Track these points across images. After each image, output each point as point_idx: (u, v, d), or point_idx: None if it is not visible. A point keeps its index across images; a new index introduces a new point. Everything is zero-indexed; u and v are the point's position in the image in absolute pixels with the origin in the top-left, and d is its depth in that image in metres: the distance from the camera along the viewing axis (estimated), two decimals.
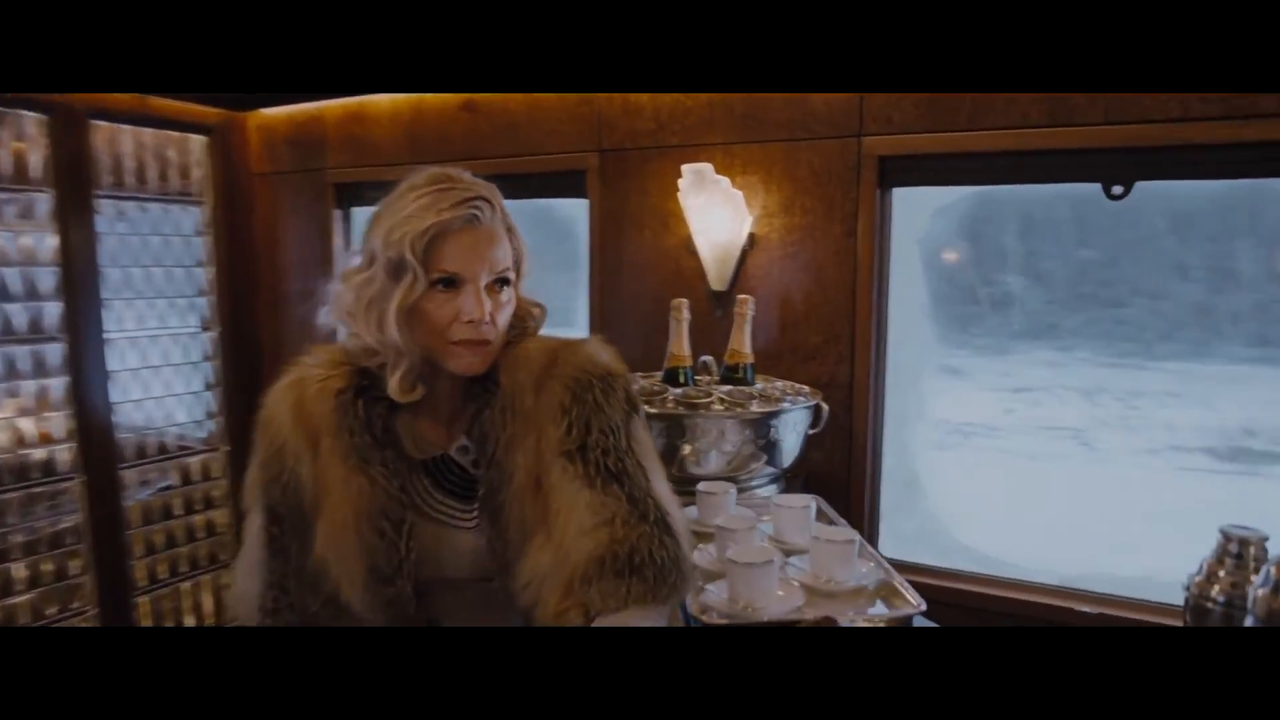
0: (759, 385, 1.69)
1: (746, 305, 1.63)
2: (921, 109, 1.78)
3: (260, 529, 0.98)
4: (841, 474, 1.87)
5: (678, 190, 1.89)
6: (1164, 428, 1.88)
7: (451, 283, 0.92)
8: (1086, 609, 1.74)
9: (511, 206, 0.98)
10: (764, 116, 1.88)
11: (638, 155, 2.04)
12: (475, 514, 0.98)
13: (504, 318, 0.97)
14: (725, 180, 1.82)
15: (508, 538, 0.95)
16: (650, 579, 0.87)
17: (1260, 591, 0.87)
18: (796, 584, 1.20)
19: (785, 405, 1.60)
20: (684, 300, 1.66)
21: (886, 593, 1.22)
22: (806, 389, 1.71)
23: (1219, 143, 1.66)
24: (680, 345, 1.66)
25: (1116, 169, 1.73)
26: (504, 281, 0.96)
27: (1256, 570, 0.94)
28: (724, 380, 1.68)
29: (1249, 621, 0.91)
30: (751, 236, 1.89)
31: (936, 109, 1.77)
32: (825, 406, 1.67)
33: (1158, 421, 1.89)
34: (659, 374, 1.72)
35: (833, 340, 1.87)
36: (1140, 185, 1.74)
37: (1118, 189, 1.74)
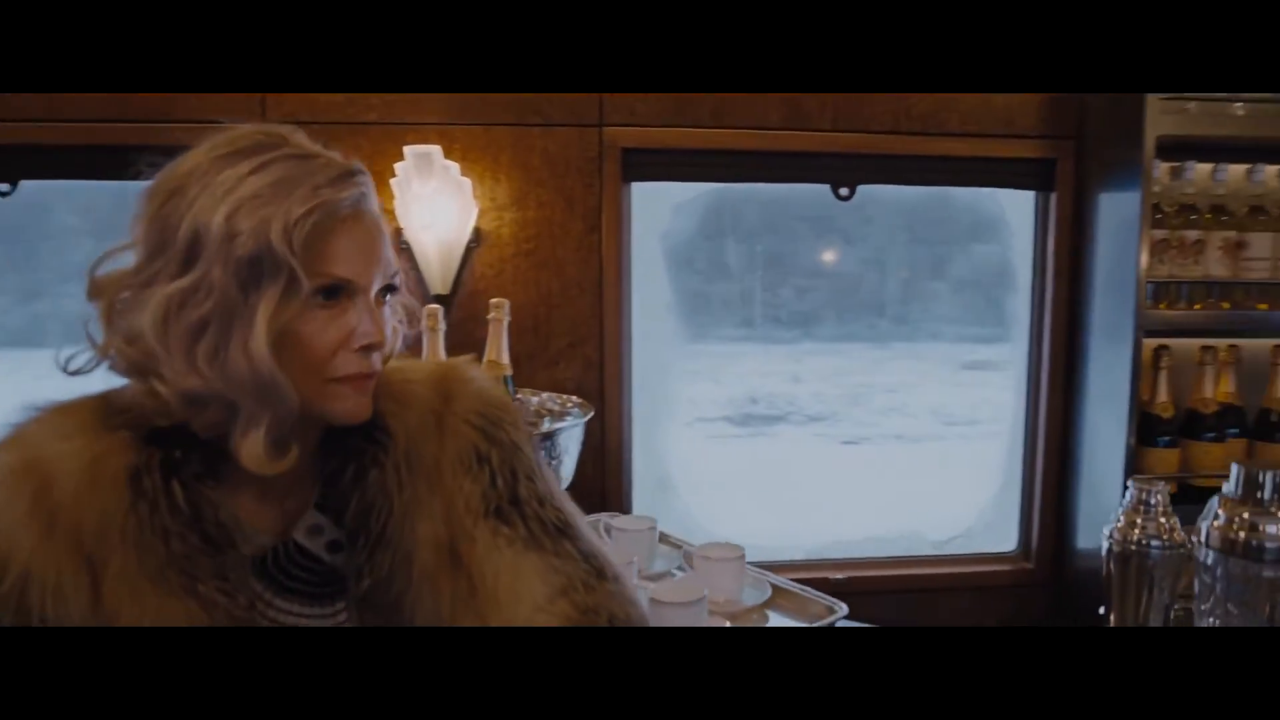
0: (520, 398, 1.56)
1: (503, 310, 1.44)
2: (666, 102, 1.70)
3: None
4: (595, 482, 1.80)
5: (386, 176, 1.64)
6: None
7: (335, 292, 0.66)
8: (838, 576, 1.87)
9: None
10: (487, 95, 1.67)
11: (321, 133, 1.69)
12: (342, 616, 0.73)
13: (396, 340, 0.73)
14: (455, 166, 1.61)
15: None
16: None
17: (1213, 524, 0.97)
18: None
19: (569, 420, 1.49)
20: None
21: (793, 601, 1.19)
22: (575, 399, 1.60)
23: (917, 154, 1.81)
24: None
25: (843, 172, 1.81)
26: (392, 290, 0.71)
27: (1164, 514, 1.09)
28: None
29: (1205, 555, 1.01)
30: (478, 232, 1.70)
31: (681, 103, 1.70)
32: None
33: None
34: None
35: (579, 343, 1.75)
36: (863, 188, 1.84)
37: (844, 190, 1.83)
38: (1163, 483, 1.06)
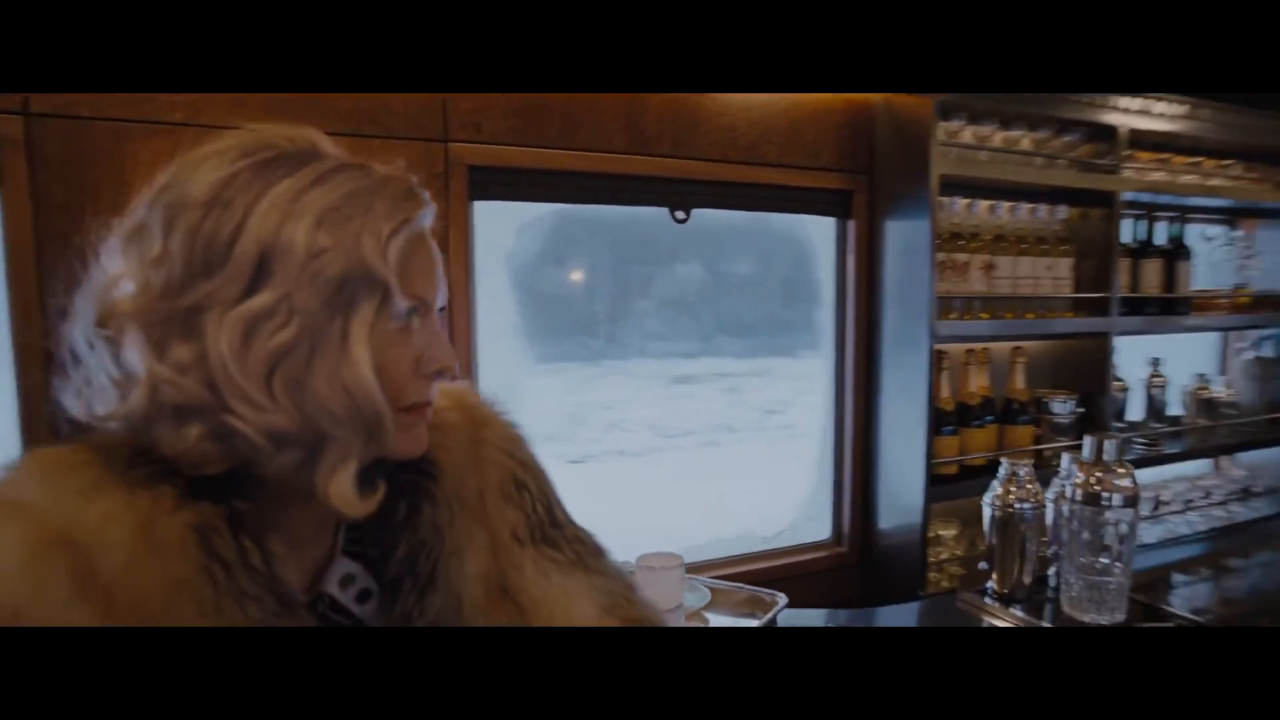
0: None
1: None
2: (512, 120, 1.68)
3: None
4: None
5: None
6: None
7: (410, 314, 0.61)
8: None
9: None
10: (320, 99, 1.54)
11: (106, 131, 1.45)
12: None
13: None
14: None
15: None
16: None
17: (1074, 482, 1.16)
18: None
19: None
20: None
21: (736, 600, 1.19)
22: None
23: (742, 181, 1.96)
24: None
25: (680, 196, 1.91)
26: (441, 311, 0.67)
27: (1030, 482, 1.27)
28: None
29: (1065, 509, 1.17)
30: None
31: (527, 122, 1.69)
32: None
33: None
34: None
35: None
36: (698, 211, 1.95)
37: (680, 214, 1.93)
38: (1028, 459, 1.26)
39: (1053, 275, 2.21)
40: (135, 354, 0.55)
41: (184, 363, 0.54)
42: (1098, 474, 1.12)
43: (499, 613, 0.69)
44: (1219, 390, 2.70)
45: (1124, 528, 1.11)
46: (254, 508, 0.58)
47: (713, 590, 1.46)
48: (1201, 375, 2.72)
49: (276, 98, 1.51)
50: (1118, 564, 1.12)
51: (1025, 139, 2.17)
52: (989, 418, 2.20)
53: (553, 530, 0.72)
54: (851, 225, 2.13)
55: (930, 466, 1.99)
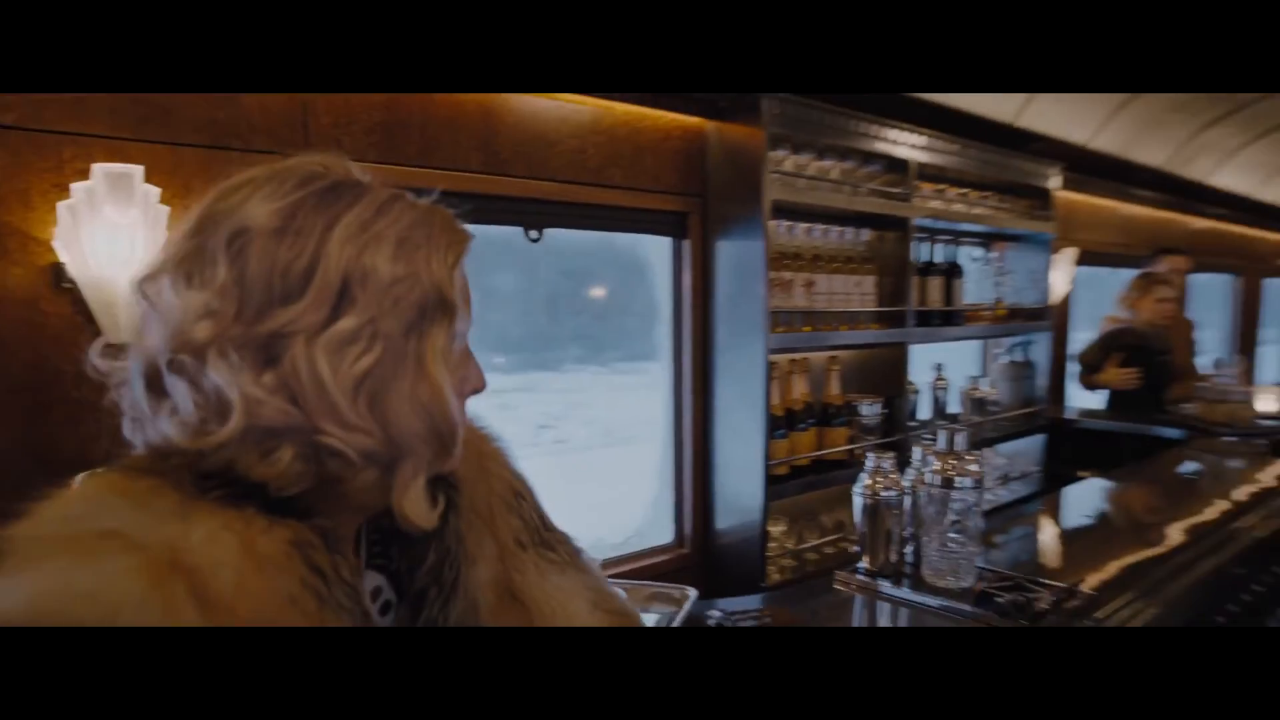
0: None
1: None
2: (373, 136, 1.75)
3: None
4: None
5: (32, 196, 1.39)
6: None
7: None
8: None
9: None
10: (172, 109, 1.53)
11: None
12: None
13: None
14: (155, 191, 1.42)
15: None
16: None
17: (932, 470, 1.41)
18: None
19: None
20: None
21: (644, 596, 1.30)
22: None
23: (590, 201, 2.16)
24: None
25: (534, 216, 2.06)
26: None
27: (893, 473, 1.51)
28: None
29: (924, 493, 1.41)
30: None
31: (387, 139, 1.77)
32: None
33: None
34: None
35: None
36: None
37: (534, 233, 2.08)
38: (891, 451, 1.55)
39: (860, 291, 2.62)
40: (223, 379, 0.59)
41: (271, 386, 0.60)
42: (951, 461, 1.43)
43: (508, 614, 0.78)
44: (985, 390, 3.30)
45: (971, 505, 1.43)
46: (331, 524, 0.65)
47: (623, 589, 1.61)
48: (973, 377, 3.30)
49: (124, 104, 1.49)
50: (968, 537, 1.44)
51: (835, 169, 2.56)
52: (811, 421, 2.55)
53: (547, 534, 0.83)
54: (687, 245, 2.39)
55: (767, 468, 2.29)
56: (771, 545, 2.48)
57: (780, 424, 2.42)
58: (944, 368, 3.16)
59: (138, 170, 1.40)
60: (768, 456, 2.29)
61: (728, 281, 2.37)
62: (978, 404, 3.26)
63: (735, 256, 2.33)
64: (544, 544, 0.83)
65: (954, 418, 3.20)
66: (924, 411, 3.10)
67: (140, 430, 0.64)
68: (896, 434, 2.77)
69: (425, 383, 0.64)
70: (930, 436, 1.49)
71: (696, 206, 2.38)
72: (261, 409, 0.60)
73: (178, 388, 0.60)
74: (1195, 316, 4.49)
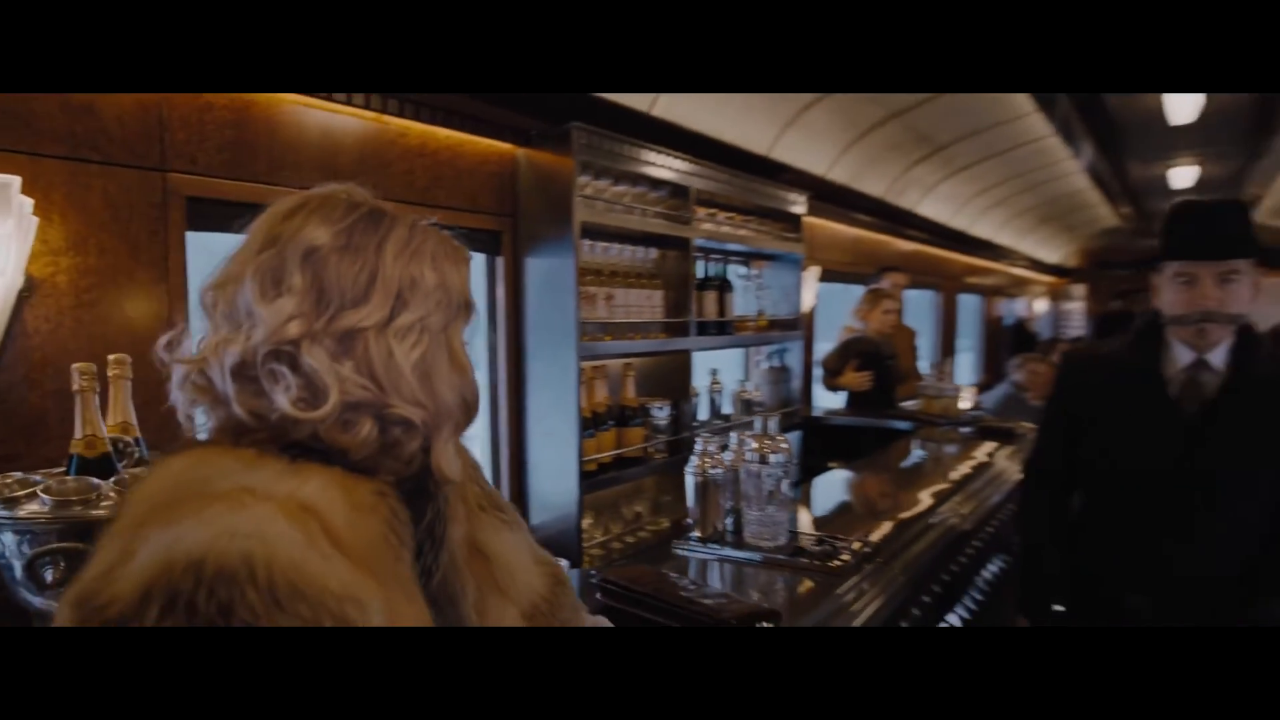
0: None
1: (126, 365, 1.48)
2: (225, 155, 1.93)
3: None
4: None
5: None
6: None
7: None
8: None
9: None
10: (30, 118, 1.63)
11: None
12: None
13: None
14: (29, 202, 1.51)
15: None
16: None
17: (752, 448, 1.82)
18: None
19: None
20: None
21: None
22: None
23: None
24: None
25: None
26: None
27: (719, 452, 1.93)
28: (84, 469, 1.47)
29: (746, 470, 1.82)
30: (30, 279, 1.61)
31: (236, 157, 1.95)
32: None
33: None
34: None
35: (152, 401, 1.80)
36: None
37: None
38: (717, 435, 2.00)
39: (650, 304, 3.12)
40: (319, 366, 0.81)
41: (352, 370, 0.82)
42: (766, 442, 1.91)
43: (476, 565, 1.02)
44: (751, 392, 3.96)
45: (782, 478, 1.92)
46: (391, 482, 0.87)
47: None
48: (740, 381, 3.95)
49: None
50: (780, 505, 1.93)
51: (628, 194, 3.04)
52: (611, 422, 3.00)
53: (496, 497, 1.10)
54: (500, 261, 2.75)
55: (581, 466, 2.70)
56: (584, 536, 2.89)
57: (588, 425, 2.84)
58: (718, 373, 3.76)
59: (15, 180, 1.51)
60: (581, 455, 2.70)
61: (539, 295, 2.76)
62: (746, 405, 3.91)
63: (546, 272, 2.73)
64: (496, 506, 1.09)
65: (727, 418, 3.82)
66: (703, 413, 3.67)
67: (220, 410, 0.84)
68: (683, 432, 3.30)
69: (457, 365, 0.90)
70: (709, 433, 1.98)
71: (509, 226, 2.74)
72: (349, 388, 0.82)
73: (282, 374, 0.81)
74: (915, 326, 5.58)
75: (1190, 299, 1.80)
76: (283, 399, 0.82)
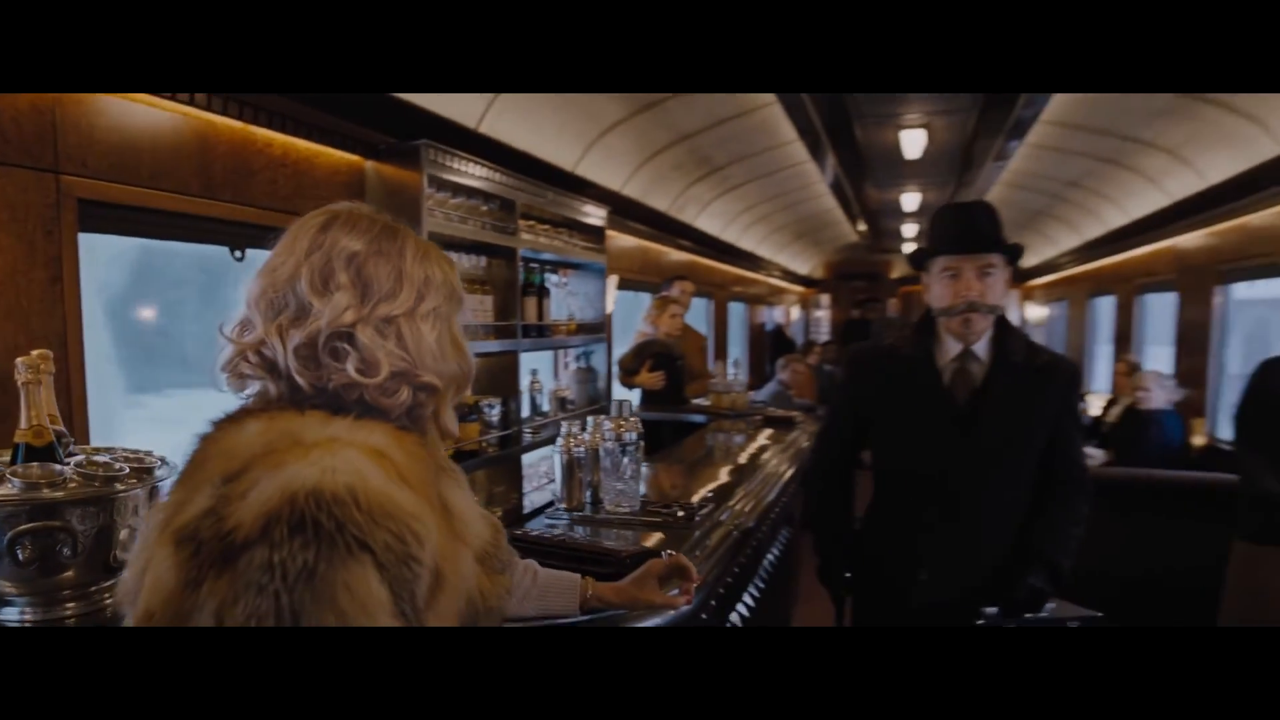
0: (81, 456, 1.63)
1: (50, 361, 1.55)
2: (111, 159, 2.01)
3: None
4: None
5: None
6: None
7: None
8: None
9: None
10: None
11: None
12: None
13: None
14: None
15: None
16: None
17: (606, 430, 2.12)
18: None
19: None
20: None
21: None
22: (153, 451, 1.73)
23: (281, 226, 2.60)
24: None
25: (239, 237, 2.43)
26: None
27: (582, 434, 2.20)
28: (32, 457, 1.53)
29: (604, 450, 2.11)
30: None
31: (121, 162, 2.03)
32: None
33: None
34: None
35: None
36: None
37: (239, 253, 2.44)
38: (578, 419, 2.32)
39: (483, 308, 3.40)
40: (372, 344, 1.04)
41: (395, 346, 1.07)
42: (621, 423, 2.26)
43: (441, 518, 1.13)
44: (565, 390, 4.32)
45: (634, 453, 2.28)
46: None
47: None
48: (557, 380, 4.30)
49: None
50: (632, 476, 2.29)
51: (463, 205, 3.30)
52: (475, 415, 3.25)
53: (448, 460, 1.28)
54: None
55: None
56: None
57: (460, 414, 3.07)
58: (538, 373, 4.09)
59: None
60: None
61: None
62: (561, 402, 4.27)
63: None
64: (451, 468, 1.26)
65: (545, 414, 4.16)
66: (525, 409, 3.99)
67: (281, 382, 1.05)
68: (512, 427, 3.60)
69: (458, 343, 1.16)
70: (530, 430, 2.33)
71: None
72: (394, 360, 1.05)
73: (345, 351, 1.03)
74: (706, 331, 6.18)
75: (956, 291, 2.01)
76: (350, 369, 1.04)
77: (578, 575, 1.54)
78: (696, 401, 5.07)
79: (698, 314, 8.13)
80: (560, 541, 1.82)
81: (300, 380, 1.04)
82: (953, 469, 2.03)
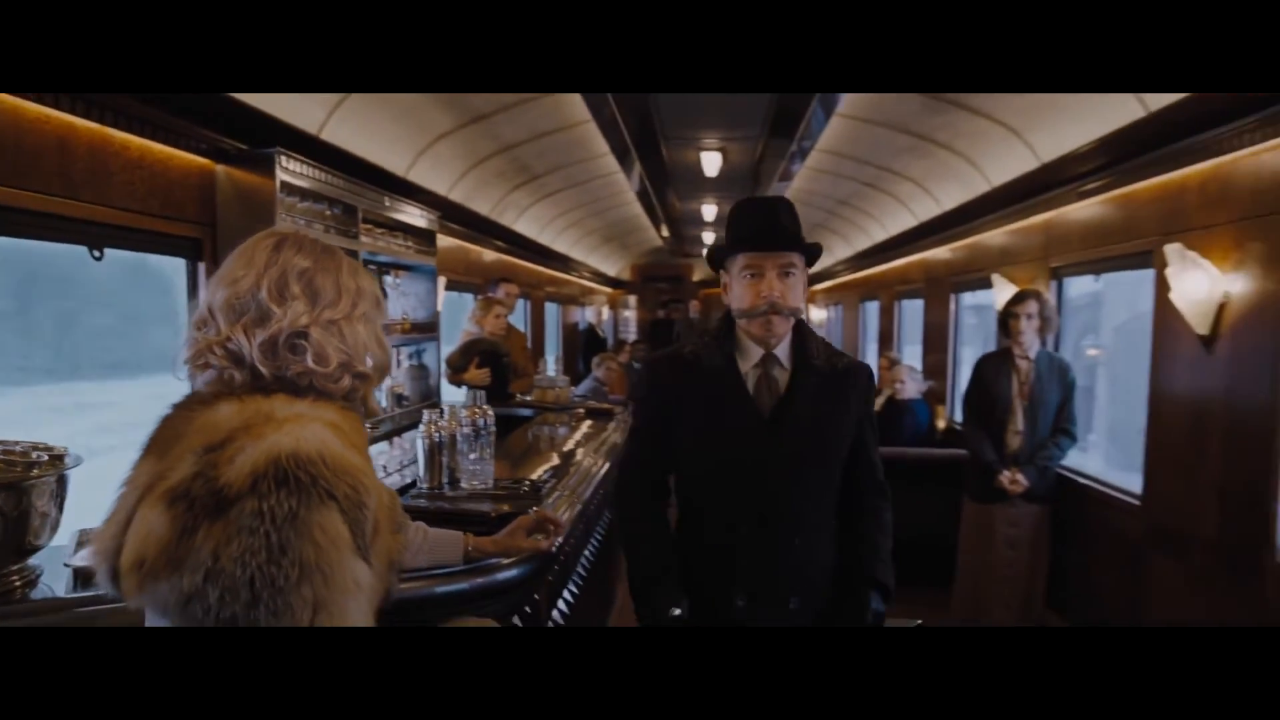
0: None
1: None
2: None
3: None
4: None
5: None
6: None
7: None
8: None
9: None
10: None
11: None
12: None
13: None
14: None
15: None
16: None
17: (463, 417, 2.28)
18: None
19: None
20: None
21: None
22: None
23: (138, 227, 2.64)
24: None
25: (98, 237, 2.46)
26: None
27: (440, 420, 2.36)
28: None
29: (461, 433, 2.29)
30: None
31: None
32: None
33: None
34: None
35: None
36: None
37: (97, 253, 2.46)
38: (409, 415, 2.53)
39: None
40: (324, 342, 1.27)
41: (339, 344, 1.30)
42: (475, 411, 2.49)
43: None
44: (400, 387, 4.45)
45: (486, 436, 2.52)
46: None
47: None
48: (392, 378, 4.42)
49: None
50: (486, 457, 2.53)
51: (310, 210, 3.40)
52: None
53: None
54: (202, 266, 2.97)
55: None
56: None
57: None
58: None
59: None
60: None
61: None
62: (397, 398, 4.41)
63: None
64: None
65: (385, 409, 4.28)
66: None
67: (244, 371, 1.26)
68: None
69: (381, 341, 1.42)
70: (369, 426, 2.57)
71: (209, 234, 2.98)
72: (340, 354, 1.30)
73: (303, 347, 1.27)
74: (524, 330, 6.42)
75: (758, 291, 1.86)
76: (308, 360, 1.29)
77: (460, 532, 1.81)
78: (522, 397, 5.32)
79: (516, 313, 8.35)
80: (439, 510, 2.06)
81: (263, 369, 1.27)
82: (762, 480, 1.89)
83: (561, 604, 2.73)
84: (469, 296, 6.23)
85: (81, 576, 1.67)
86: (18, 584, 1.60)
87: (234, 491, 1.11)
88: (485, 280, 6.25)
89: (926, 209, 6.45)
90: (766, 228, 1.89)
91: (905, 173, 6.08)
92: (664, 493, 2.08)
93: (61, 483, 1.67)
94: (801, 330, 1.98)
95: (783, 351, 1.95)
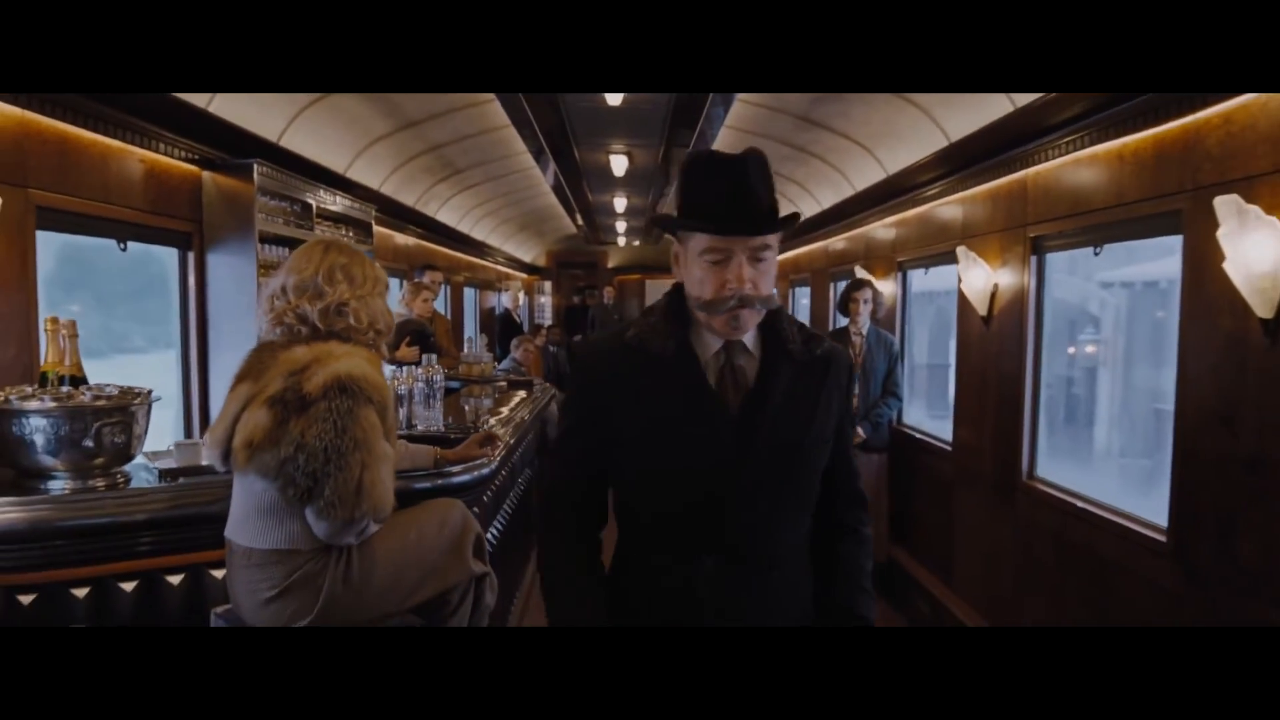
0: None
1: (73, 325, 2.32)
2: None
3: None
4: None
5: None
6: None
7: None
8: None
9: None
10: None
11: None
12: None
13: None
14: None
15: None
16: None
17: (419, 371, 3.08)
18: None
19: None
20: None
21: None
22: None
23: (137, 222, 3.34)
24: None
25: (118, 231, 3.15)
26: None
27: (400, 377, 3.12)
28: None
29: (417, 387, 3.10)
30: None
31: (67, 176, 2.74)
32: None
33: None
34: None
35: None
36: None
37: (123, 245, 3.15)
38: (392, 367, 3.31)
39: None
40: (360, 309, 2.07)
41: (357, 313, 2.10)
42: (429, 369, 3.28)
43: None
44: None
45: (437, 391, 3.30)
46: None
47: None
48: None
49: None
50: (436, 405, 3.31)
51: (278, 208, 4.11)
52: None
53: None
54: (191, 256, 3.67)
55: None
56: None
57: None
58: None
59: None
60: None
61: (223, 284, 3.74)
62: None
63: (231, 267, 3.73)
64: None
65: None
66: None
67: (307, 327, 2.07)
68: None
69: (387, 311, 2.24)
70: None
71: (198, 230, 3.68)
72: (369, 318, 2.15)
73: (346, 312, 2.09)
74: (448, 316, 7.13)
75: (722, 280, 1.45)
76: (350, 321, 2.11)
77: (432, 446, 2.63)
78: (450, 372, 6.07)
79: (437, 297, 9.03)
80: (411, 435, 2.87)
81: (320, 326, 2.07)
82: (729, 498, 1.51)
83: (493, 531, 3.57)
84: (395, 281, 6.93)
85: (169, 476, 2.42)
86: (120, 481, 2.33)
87: (312, 397, 1.91)
88: (410, 266, 6.95)
89: (835, 194, 7.45)
90: (736, 203, 1.43)
91: (793, 176, 7.05)
92: (599, 519, 1.65)
93: (148, 412, 2.41)
94: (773, 310, 1.56)
95: (750, 336, 1.57)
